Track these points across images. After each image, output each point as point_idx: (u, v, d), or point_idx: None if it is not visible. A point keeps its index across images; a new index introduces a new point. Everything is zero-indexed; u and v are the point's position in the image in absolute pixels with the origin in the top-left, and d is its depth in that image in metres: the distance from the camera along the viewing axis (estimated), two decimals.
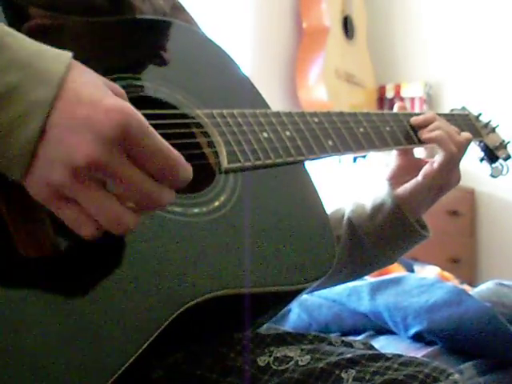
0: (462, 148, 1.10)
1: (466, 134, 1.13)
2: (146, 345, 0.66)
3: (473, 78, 3.88)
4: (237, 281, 0.76)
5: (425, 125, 1.12)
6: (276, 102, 3.63)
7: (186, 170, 0.64)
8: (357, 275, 1.15)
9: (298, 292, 0.84)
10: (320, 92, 3.66)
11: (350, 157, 3.12)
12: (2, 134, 0.59)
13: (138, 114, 0.61)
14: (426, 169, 1.08)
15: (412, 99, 3.94)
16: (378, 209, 1.09)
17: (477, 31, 3.88)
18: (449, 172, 1.09)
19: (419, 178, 1.08)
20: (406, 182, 1.10)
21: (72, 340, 0.64)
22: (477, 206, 3.86)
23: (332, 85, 3.69)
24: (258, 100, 0.98)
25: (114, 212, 0.61)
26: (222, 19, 3.33)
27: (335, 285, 1.17)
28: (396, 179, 1.12)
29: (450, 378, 0.74)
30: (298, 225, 0.88)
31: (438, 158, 1.08)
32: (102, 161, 0.59)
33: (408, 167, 1.12)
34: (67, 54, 0.62)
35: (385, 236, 1.09)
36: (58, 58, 0.61)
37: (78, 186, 0.60)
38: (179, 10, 1.05)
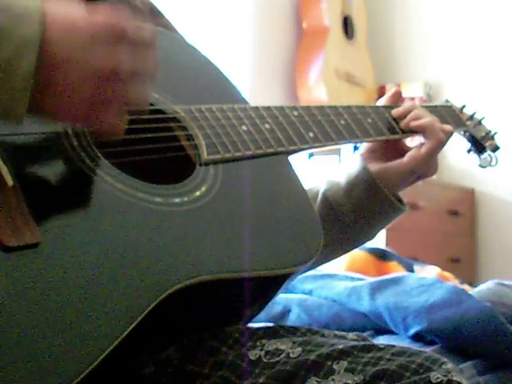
0: (450, 136, 1.12)
1: (447, 126, 1.14)
2: (128, 330, 0.66)
3: (473, 78, 3.87)
4: (219, 266, 0.76)
5: (405, 115, 1.13)
6: (276, 102, 3.63)
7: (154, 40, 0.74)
8: (336, 254, 1.15)
9: (285, 277, 0.84)
10: (320, 92, 3.65)
11: (349, 155, 3.12)
12: (0, 73, 0.63)
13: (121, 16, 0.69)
14: (412, 152, 1.10)
15: (412, 99, 3.94)
16: (353, 184, 1.09)
17: (477, 31, 3.88)
18: (433, 159, 1.10)
19: (404, 159, 1.09)
20: (381, 155, 1.11)
21: (54, 325, 0.64)
22: (477, 206, 3.86)
23: (332, 85, 3.69)
24: (236, 97, 0.99)
25: (138, 92, 0.71)
26: (222, 19, 3.33)
27: (316, 266, 1.17)
28: (370, 153, 1.13)
29: (443, 366, 0.73)
30: (281, 211, 0.88)
31: (427, 144, 1.09)
32: (118, 61, 0.68)
33: (382, 146, 1.13)
34: None
35: (362, 211, 1.09)
36: None
37: (106, 90, 0.68)
38: (156, 14, 1.07)
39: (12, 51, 0.63)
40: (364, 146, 1.14)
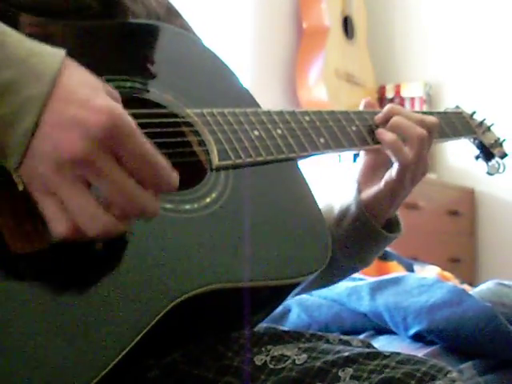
0: (423, 139, 1.01)
1: (429, 119, 1.04)
2: (137, 339, 0.66)
3: (473, 78, 3.88)
4: (229, 275, 0.76)
5: (386, 121, 1.04)
6: (276, 102, 3.63)
7: (171, 177, 0.65)
8: (328, 282, 1.11)
9: (293, 286, 0.84)
10: (320, 92, 3.65)
11: (350, 156, 3.12)
12: None
13: (127, 117, 0.62)
14: (386, 178, 1.02)
15: (412, 99, 3.94)
16: (344, 214, 1.04)
17: (477, 31, 3.88)
18: (411, 176, 1.02)
19: (381, 185, 1.02)
20: (373, 182, 1.04)
21: (63, 334, 0.64)
22: (477, 206, 3.86)
23: (332, 85, 3.69)
24: (249, 101, 0.98)
25: (92, 210, 0.62)
26: (222, 19, 3.33)
27: (307, 292, 1.13)
28: (366, 178, 1.05)
29: (448, 375, 0.73)
30: (291, 219, 0.88)
31: (394, 167, 1.01)
32: (86, 158, 0.61)
33: (377, 164, 1.05)
34: (61, 52, 0.63)
35: (351, 241, 1.04)
36: (52, 55, 0.62)
37: (60, 181, 0.61)
38: (174, 14, 1.04)
39: (14, 108, 0.61)
40: (357, 170, 1.07)
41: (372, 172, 1.05)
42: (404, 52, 4.11)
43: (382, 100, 4.00)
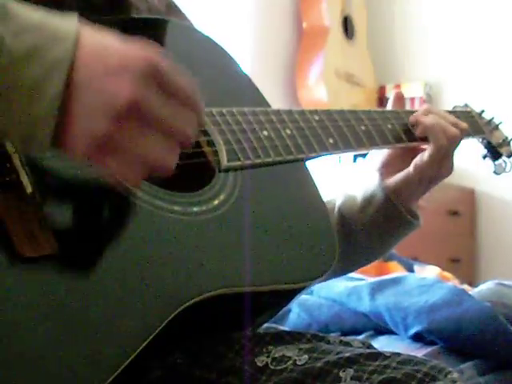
0: (455, 140, 1.07)
1: (462, 125, 1.09)
2: (144, 344, 0.66)
3: (473, 77, 3.88)
4: (237, 279, 0.76)
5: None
6: (276, 101, 3.62)
7: (199, 103, 0.66)
8: (349, 269, 1.13)
9: (299, 290, 0.84)
10: (320, 92, 3.66)
11: (350, 156, 3.12)
12: (26, 96, 0.58)
13: (158, 55, 0.63)
14: (416, 161, 1.05)
15: (412, 99, 3.94)
16: (368, 201, 1.06)
17: (477, 31, 3.88)
18: (440, 164, 1.05)
19: (410, 169, 1.05)
20: (398, 170, 1.07)
21: (71, 340, 0.64)
22: (477, 206, 3.86)
23: (332, 85, 3.69)
24: (258, 98, 0.98)
25: (160, 150, 0.62)
26: (222, 19, 3.33)
27: (328, 279, 1.15)
28: (387, 168, 1.08)
29: (449, 376, 0.73)
30: (298, 223, 0.87)
31: (428, 150, 1.05)
32: (141, 98, 0.60)
33: (400, 155, 1.08)
34: (73, 14, 0.63)
35: (376, 228, 1.06)
36: (66, 17, 0.62)
37: (122, 132, 0.60)
38: (174, 10, 1.03)
39: (41, 73, 0.58)
40: (379, 161, 1.09)
41: (398, 160, 1.08)
42: (404, 52, 4.11)
43: (381, 100, 4.00)
